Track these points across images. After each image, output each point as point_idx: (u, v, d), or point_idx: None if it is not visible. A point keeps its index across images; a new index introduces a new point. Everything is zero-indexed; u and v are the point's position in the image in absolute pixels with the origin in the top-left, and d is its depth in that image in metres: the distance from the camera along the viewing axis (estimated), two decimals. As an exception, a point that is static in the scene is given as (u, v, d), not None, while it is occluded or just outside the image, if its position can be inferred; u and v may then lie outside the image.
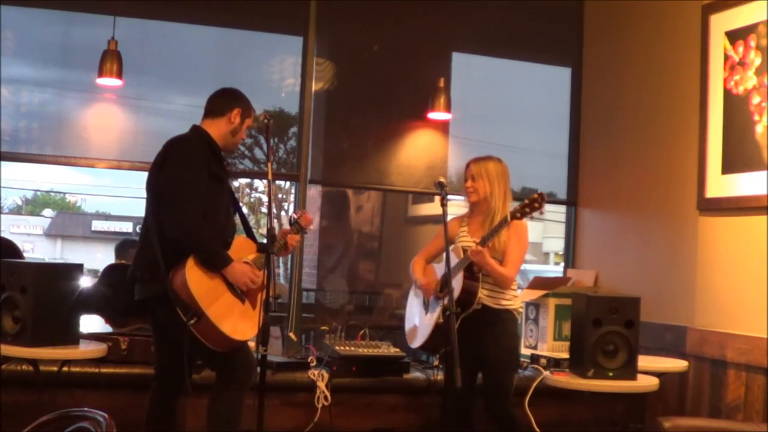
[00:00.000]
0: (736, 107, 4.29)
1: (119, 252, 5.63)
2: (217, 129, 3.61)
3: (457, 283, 3.87)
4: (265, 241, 3.54)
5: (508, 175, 4.02)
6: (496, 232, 3.78)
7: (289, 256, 4.95)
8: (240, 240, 3.64)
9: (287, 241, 3.72)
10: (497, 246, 3.87)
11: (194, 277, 3.31)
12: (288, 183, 8.73)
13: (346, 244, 6.65)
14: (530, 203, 3.73)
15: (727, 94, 4.35)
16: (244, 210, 4.08)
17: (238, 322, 3.41)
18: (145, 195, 3.56)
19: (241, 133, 3.68)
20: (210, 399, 3.47)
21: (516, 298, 3.98)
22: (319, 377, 4.24)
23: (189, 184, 3.38)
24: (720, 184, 4.37)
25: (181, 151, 3.47)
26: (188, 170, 3.41)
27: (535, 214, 3.77)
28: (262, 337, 3.31)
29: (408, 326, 4.27)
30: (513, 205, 3.93)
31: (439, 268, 4.12)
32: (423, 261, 4.20)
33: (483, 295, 3.88)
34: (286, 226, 3.91)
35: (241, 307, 3.46)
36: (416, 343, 4.17)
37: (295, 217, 3.85)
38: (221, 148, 3.63)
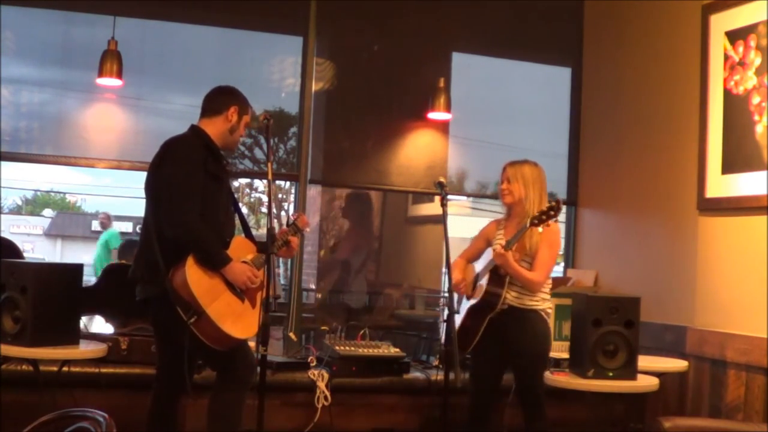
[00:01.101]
0: (736, 107, 4.29)
1: (122, 252, 5.65)
2: (214, 128, 3.59)
3: (483, 284, 3.92)
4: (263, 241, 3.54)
5: (544, 180, 4.01)
6: (518, 237, 3.81)
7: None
8: (238, 240, 3.63)
9: (288, 240, 3.72)
10: (528, 249, 3.89)
11: (194, 276, 3.31)
12: (288, 183, 8.71)
13: (370, 244, 6.65)
14: (548, 211, 3.76)
15: (727, 94, 4.35)
16: (244, 210, 4.07)
17: (238, 321, 3.41)
18: (144, 195, 3.56)
19: (239, 130, 3.66)
20: (210, 399, 3.47)
21: (545, 300, 3.97)
22: (319, 377, 4.25)
23: (186, 183, 3.37)
24: (720, 184, 4.37)
25: (178, 151, 3.47)
26: (185, 169, 3.40)
27: (552, 221, 3.78)
28: (262, 336, 3.31)
29: None
30: None
31: (478, 268, 4.14)
32: (464, 261, 4.22)
33: (510, 296, 3.90)
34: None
35: (240, 306, 3.46)
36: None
37: (293, 218, 3.86)
38: (220, 146, 3.62)
